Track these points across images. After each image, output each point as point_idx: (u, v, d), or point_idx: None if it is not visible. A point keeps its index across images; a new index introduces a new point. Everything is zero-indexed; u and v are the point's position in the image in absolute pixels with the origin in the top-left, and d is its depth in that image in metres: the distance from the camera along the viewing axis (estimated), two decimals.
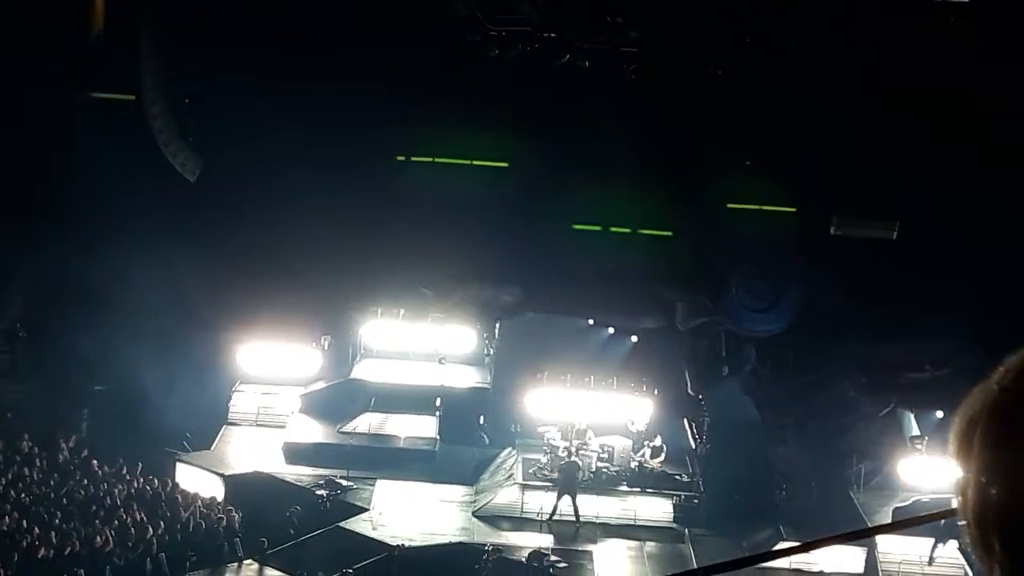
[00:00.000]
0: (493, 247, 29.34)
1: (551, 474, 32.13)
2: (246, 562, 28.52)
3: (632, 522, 31.74)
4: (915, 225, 27.17)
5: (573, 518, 31.28)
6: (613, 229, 30.04)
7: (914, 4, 23.68)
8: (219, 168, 29.46)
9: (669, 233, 29.91)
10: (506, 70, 27.22)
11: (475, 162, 29.75)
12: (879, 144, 26.14)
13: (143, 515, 28.59)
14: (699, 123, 27.06)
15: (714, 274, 29.92)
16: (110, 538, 27.10)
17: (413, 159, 29.82)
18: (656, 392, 33.63)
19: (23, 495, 28.71)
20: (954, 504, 1.57)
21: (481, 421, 35.51)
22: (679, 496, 32.31)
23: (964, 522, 1.54)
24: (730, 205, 29.18)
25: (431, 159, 29.89)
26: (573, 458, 31.91)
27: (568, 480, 31.37)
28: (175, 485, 31.21)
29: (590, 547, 30.53)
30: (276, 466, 33.21)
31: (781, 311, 29.59)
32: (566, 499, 31.26)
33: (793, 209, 28.57)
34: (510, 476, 33.00)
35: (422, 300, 32.93)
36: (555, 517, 31.25)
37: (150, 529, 27.92)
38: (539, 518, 31.32)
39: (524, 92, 27.75)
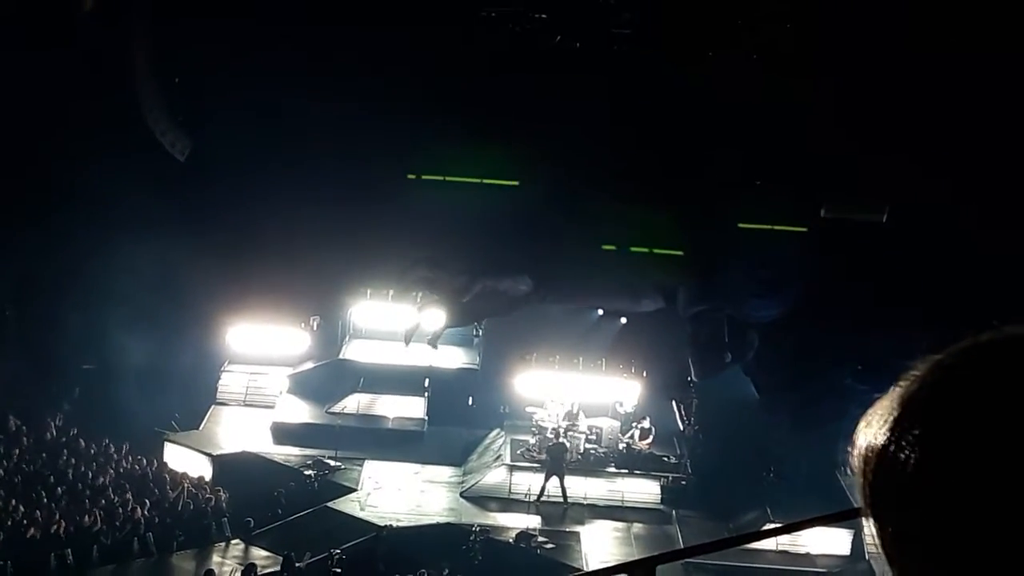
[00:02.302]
0: (496, 231, 29.19)
1: (539, 455, 32.19)
2: (233, 542, 28.52)
3: (620, 503, 31.81)
4: (910, 215, 27.17)
5: (561, 499, 31.35)
6: (609, 247, 29.98)
7: None
8: (210, 148, 29.34)
9: (680, 252, 29.88)
10: (508, 79, 27.15)
11: (484, 180, 29.64)
12: (877, 130, 26.11)
13: (131, 495, 28.58)
14: (705, 136, 27.01)
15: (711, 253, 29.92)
16: (97, 517, 27.07)
17: (423, 177, 29.69)
18: (644, 374, 33.66)
19: (9, 474, 28.66)
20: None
21: (470, 402, 35.53)
22: (667, 477, 32.39)
23: (876, 537, 1.51)
24: (741, 225, 29.16)
25: (440, 177, 29.72)
26: (561, 439, 31.96)
27: (556, 461, 31.43)
28: (163, 465, 31.19)
29: (577, 528, 30.60)
30: (264, 446, 33.21)
31: (781, 297, 29.58)
32: (554, 480, 31.32)
33: (804, 229, 28.52)
34: (498, 457, 33.04)
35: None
36: (543, 498, 31.32)
37: (138, 509, 27.91)
38: (527, 499, 31.39)
39: (532, 109, 27.56)
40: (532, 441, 32.81)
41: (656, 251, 29.85)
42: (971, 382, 1.43)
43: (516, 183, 29.36)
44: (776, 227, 28.95)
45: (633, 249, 29.74)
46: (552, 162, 28.11)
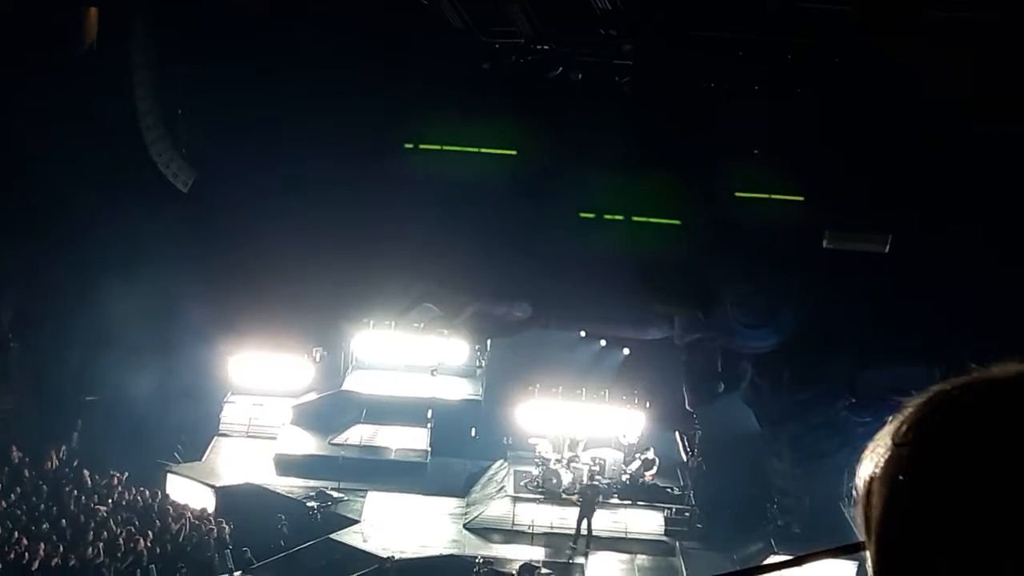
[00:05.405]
0: (496, 251, 28.99)
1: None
2: (236, 574, 28.43)
3: (623, 535, 31.69)
4: (907, 247, 27.04)
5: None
6: (611, 217, 29.51)
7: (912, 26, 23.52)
8: (213, 178, 29.36)
9: (677, 222, 29.47)
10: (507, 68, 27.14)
11: (482, 150, 29.30)
12: (876, 160, 26.05)
13: (133, 526, 28.50)
14: (702, 117, 26.90)
15: (710, 284, 29.69)
16: (100, 550, 26.98)
17: (421, 147, 29.32)
18: (648, 405, 33.62)
19: (12, 505, 28.57)
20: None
21: (473, 433, 35.47)
22: (670, 509, 32.29)
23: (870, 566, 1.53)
24: (738, 194, 28.85)
25: (438, 147, 29.37)
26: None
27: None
28: (165, 496, 31.12)
29: (581, 560, 30.50)
30: (267, 478, 33.16)
31: (774, 328, 29.47)
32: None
33: (801, 198, 28.22)
34: (501, 488, 32.97)
35: (425, 315, 32.77)
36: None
37: (140, 540, 27.81)
38: (530, 531, 31.27)
39: (528, 83, 27.51)
40: (535, 472, 32.75)
41: (653, 220, 29.35)
42: (965, 417, 1.44)
43: (514, 152, 28.98)
44: (773, 196, 28.60)
45: (635, 218, 29.30)
46: (551, 133, 27.94)
